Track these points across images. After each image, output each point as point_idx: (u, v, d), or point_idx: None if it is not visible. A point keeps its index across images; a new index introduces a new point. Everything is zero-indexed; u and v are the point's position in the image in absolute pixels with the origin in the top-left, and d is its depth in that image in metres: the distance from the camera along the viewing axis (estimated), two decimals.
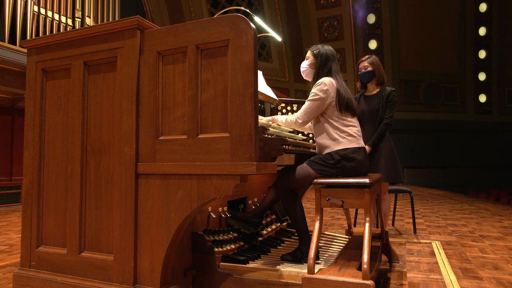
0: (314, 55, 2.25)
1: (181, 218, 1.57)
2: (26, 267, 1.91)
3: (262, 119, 2.23)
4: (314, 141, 2.88)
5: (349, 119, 2.13)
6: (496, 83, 15.79)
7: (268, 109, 2.88)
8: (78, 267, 1.77)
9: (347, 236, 2.65)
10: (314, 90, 2.11)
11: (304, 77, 2.35)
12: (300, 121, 2.16)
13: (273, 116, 2.30)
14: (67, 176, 1.84)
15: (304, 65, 2.31)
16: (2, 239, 3.63)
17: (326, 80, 2.12)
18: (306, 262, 2.05)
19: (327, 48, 2.25)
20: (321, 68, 2.21)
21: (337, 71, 2.22)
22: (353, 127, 2.13)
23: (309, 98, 2.13)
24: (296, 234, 2.69)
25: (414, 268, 2.52)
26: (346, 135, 2.08)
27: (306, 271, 1.70)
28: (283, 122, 2.24)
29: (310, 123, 2.48)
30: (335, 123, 2.10)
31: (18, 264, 2.33)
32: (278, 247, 2.39)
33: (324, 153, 2.09)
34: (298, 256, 2.07)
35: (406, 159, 12.95)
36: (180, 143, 1.59)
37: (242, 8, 5.77)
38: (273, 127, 2.11)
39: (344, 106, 2.10)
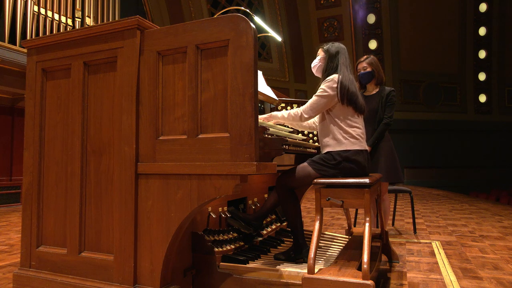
0: (324, 50, 2.27)
1: (181, 218, 1.57)
2: (26, 267, 1.91)
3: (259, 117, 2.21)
4: (314, 141, 2.89)
5: (354, 119, 2.11)
6: (496, 83, 15.79)
7: (268, 109, 2.88)
8: (78, 267, 1.77)
9: (347, 236, 2.65)
10: (323, 86, 2.09)
11: (315, 73, 2.35)
12: (305, 116, 2.13)
13: (271, 113, 2.28)
14: (67, 176, 1.84)
15: (315, 61, 2.32)
16: (2, 239, 3.63)
17: (337, 77, 2.10)
18: (299, 261, 2.04)
19: (337, 44, 2.27)
20: (330, 61, 2.20)
21: (346, 65, 2.18)
22: (358, 128, 2.11)
23: (316, 94, 2.11)
24: None
25: (414, 268, 2.52)
26: (349, 136, 2.06)
27: (306, 271, 1.70)
28: (284, 116, 2.21)
29: (313, 123, 2.48)
30: (340, 123, 2.08)
31: (18, 264, 2.33)
32: (278, 247, 2.39)
33: (325, 151, 2.09)
34: (291, 256, 2.07)
35: (406, 159, 12.96)
36: (180, 143, 1.59)
37: (242, 8, 5.77)
38: (273, 127, 2.11)
39: (347, 98, 2.05)
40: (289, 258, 2.06)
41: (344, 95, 2.06)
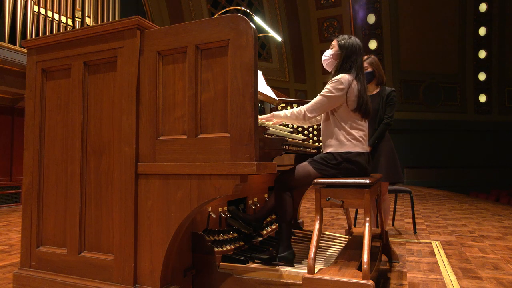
0: (340, 46, 2.15)
1: (181, 218, 1.57)
2: (26, 267, 1.91)
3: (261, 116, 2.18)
4: (314, 141, 2.89)
5: (359, 121, 2.08)
6: (496, 83, 15.80)
7: (268, 109, 2.88)
8: (78, 267, 1.77)
9: (347, 236, 2.65)
10: (329, 86, 2.04)
11: (325, 66, 2.26)
12: (309, 115, 2.08)
13: (273, 112, 2.22)
14: (67, 176, 1.84)
15: (327, 54, 2.21)
16: (2, 239, 3.63)
17: (344, 78, 2.04)
18: (278, 262, 1.94)
19: (354, 40, 2.14)
20: (345, 61, 2.11)
21: (361, 68, 2.12)
22: (361, 130, 2.09)
23: (321, 93, 2.05)
24: (296, 234, 2.69)
25: (414, 268, 2.52)
26: (352, 138, 2.04)
27: (306, 271, 1.70)
28: (287, 116, 2.14)
29: (315, 120, 2.44)
30: (343, 124, 2.05)
31: (18, 264, 2.33)
32: None
33: (326, 152, 2.08)
34: (273, 255, 1.97)
35: (406, 159, 12.96)
36: (180, 143, 1.59)
37: (242, 8, 5.77)
38: (273, 127, 2.11)
39: (363, 109, 2.05)
40: (271, 257, 1.96)
41: (359, 106, 2.04)
